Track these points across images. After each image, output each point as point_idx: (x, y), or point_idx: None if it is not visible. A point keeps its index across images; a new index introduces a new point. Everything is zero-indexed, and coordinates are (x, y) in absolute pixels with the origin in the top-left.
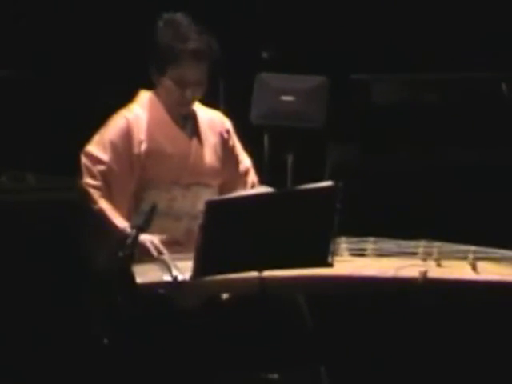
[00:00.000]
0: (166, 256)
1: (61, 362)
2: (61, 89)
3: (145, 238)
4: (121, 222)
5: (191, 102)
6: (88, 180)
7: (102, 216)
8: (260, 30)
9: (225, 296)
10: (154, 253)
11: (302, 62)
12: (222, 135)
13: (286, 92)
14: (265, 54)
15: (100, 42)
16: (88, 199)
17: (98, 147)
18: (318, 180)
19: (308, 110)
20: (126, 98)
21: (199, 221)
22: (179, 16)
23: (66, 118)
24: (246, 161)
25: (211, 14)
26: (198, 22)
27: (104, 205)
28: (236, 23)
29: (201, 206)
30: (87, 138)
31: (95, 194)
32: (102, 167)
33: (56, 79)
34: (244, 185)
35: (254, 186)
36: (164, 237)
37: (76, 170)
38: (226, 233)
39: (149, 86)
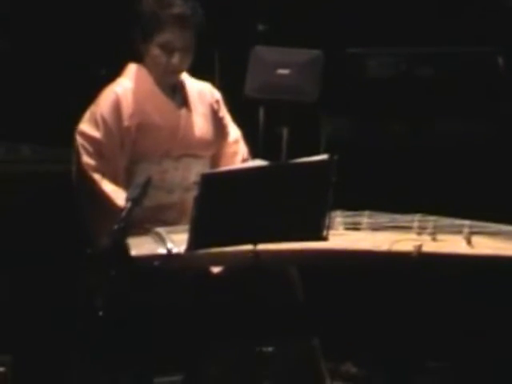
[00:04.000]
0: (161, 228)
1: (55, 336)
2: (56, 60)
3: None
4: (123, 201)
5: (178, 69)
6: (87, 159)
7: (104, 198)
8: (255, 2)
9: (216, 269)
10: None
11: (298, 35)
12: (211, 106)
13: (281, 65)
14: (260, 27)
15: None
16: (89, 181)
17: (90, 124)
18: (312, 153)
19: (303, 84)
20: (116, 69)
21: (193, 192)
22: None
23: (62, 90)
24: (235, 131)
25: None
26: None
27: (106, 186)
28: None
29: (193, 178)
30: (83, 109)
31: (95, 175)
32: (97, 144)
33: (50, 50)
34: (233, 156)
35: (244, 158)
36: None
37: (71, 142)
38: (221, 206)
39: (137, 59)
